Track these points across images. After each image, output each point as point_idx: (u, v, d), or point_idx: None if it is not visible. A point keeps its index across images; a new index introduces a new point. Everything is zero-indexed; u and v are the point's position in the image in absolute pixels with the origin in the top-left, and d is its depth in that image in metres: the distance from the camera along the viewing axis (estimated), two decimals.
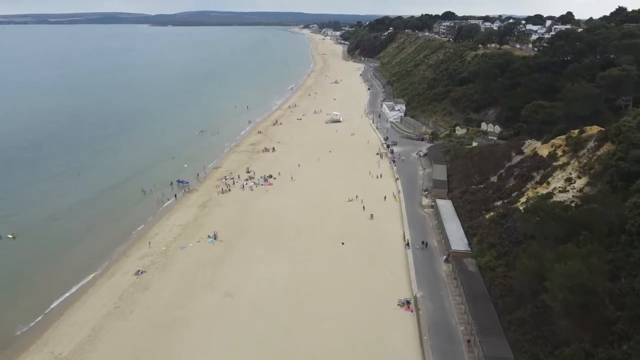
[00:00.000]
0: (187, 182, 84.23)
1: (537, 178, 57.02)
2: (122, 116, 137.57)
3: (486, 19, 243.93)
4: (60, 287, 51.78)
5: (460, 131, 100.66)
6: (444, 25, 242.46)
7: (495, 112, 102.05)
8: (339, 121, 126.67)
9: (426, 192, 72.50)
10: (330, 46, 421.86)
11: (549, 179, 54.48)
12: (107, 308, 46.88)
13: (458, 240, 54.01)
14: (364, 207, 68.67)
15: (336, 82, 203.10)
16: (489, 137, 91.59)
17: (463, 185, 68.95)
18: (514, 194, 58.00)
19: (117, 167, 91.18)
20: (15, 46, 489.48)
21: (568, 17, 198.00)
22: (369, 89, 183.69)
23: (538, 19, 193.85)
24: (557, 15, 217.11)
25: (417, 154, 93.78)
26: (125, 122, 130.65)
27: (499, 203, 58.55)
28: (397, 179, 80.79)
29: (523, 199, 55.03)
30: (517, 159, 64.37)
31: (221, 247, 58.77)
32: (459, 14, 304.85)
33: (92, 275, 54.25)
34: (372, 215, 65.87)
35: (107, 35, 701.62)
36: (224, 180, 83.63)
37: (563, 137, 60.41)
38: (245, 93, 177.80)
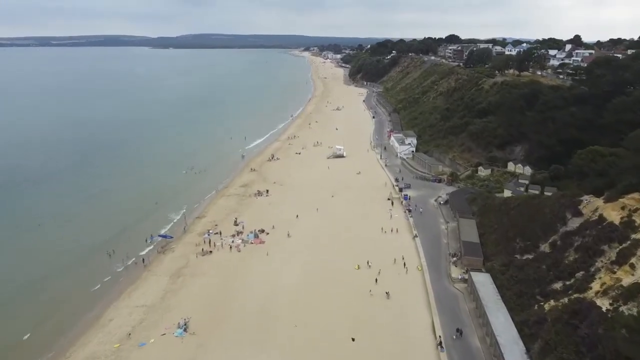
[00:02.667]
0: (171, 237, 70.85)
1: (611, 254, 42.97)
2: (111, 149, 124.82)
3: (494, 42, 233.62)
4: None
5: (483, 172, 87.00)
6: (450, 49, 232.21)
7: (524, 150, 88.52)
8: (342, 156, 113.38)
9: (455, 259, 58.25)
10: (330, 69, 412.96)
11: (632, 260, 40.44)
12: None
13: (512, 345, 39.60)
14: (377, 280, 54.44)
15: (338, 109, 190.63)
16: (520, 180, 77.88)
17: (502, 252, 54.72)
18: (578, 274, 43.96)
19: (92, 217, 77.68)
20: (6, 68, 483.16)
21: (578, 41, 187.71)
22: (373, 117, 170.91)
23: (553, 43, 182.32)
24: (564, 38, 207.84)
25: (435, 200, 79.87)
26: (112, 156, 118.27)
27: (558, 286, 44.44)
28: (416, 235, 66.70)
29: (595, 285, 40.97)
30: (574, 222, 50.31)
31: (192, 345, 44.36)
32: (463, 37, 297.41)
33: None
34: (388, 293, 51.58)
35: (107, 58, 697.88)
36: (206, 235, 69.78)
37: (638, 195, 46.80)
38: (243, 121, 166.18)
